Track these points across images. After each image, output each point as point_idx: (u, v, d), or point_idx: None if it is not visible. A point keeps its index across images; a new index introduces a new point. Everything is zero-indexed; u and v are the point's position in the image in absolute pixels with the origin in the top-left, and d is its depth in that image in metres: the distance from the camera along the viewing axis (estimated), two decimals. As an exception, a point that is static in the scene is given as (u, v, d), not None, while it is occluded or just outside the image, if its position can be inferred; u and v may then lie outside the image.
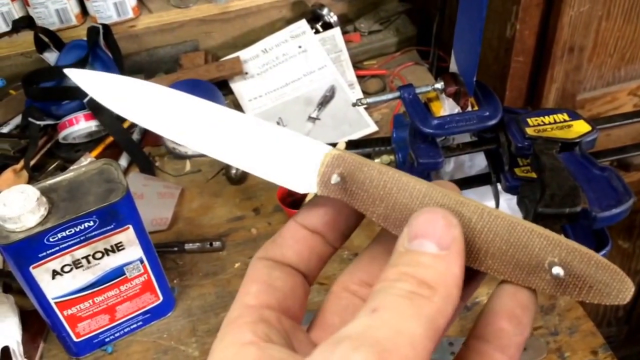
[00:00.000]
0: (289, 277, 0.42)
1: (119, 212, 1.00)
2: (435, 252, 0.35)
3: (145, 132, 1.56)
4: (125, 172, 1.47)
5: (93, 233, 0.99)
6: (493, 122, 1.11)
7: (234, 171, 1.42)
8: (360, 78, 1.68)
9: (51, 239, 0.96)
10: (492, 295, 0.40)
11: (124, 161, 1.48)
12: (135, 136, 1.53)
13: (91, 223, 0.98)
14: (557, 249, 0.37)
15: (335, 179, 0.41)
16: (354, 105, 1.23)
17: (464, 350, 0.39)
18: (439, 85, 1.18)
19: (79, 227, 0.97)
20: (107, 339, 1.16)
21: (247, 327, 0.37)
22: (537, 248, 0.37)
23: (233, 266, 1.29)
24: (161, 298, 1.17)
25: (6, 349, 1.09)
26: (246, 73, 1.67)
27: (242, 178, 1.44)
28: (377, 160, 1.24)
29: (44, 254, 0.97)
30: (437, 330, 0.33)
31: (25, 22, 1.55)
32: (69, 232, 0.97)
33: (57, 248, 0.98)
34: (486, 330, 0.39)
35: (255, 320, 0.38)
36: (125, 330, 1.17)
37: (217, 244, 1.31)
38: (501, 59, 1.45)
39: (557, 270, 0.37)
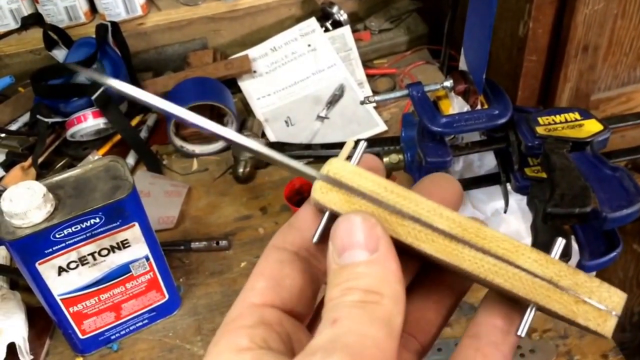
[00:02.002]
0: (300, 275, 0.40)
1: (125, 209, 0.99)
2: (366, 258, 0.35)
3: (153, 131, 1.56)
4: (133, 170, 1.47)
5: (99, 230, 0.99)
6: (503, 120, 1.10)
7: (241, 170, 1.41)
8: (370, 77, 1.67)
9: (57, 235, 0.95)
10: (485, 296, 0.40)
11: (131, 159, 1.47)
12: (143, 134, 1.52)
13: (97, 220, 0.97)
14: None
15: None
16: (362, 103, 1.22)
17: (459, 348, 0.39)
18: (448, 83, 1.17)
19: (85, 223, 0.97)
20: (112, 337, 1.15)
21: (244, 331, 0.37)
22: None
23: (239, 265, 1.28)
24: (167, 296, 1.16)
25: (12, 346, 1.09)
26: (255, 71, 1.66)
27: (249, 177, 1.44)
28: (385, 159, 1.23)
29: (50, 250, 0.97)
30: (396, 328, 0.34)
31: (34, 20, 1.54)
32: (75, 228, 0.96)
33: (63, 244, 0.97)
34: (480, 328, 0.39)
35: (255, 323, 0.37)
36: (131, 328, 1.16)
37: (223, 243, 1.30)
38: (514, 57, 1.44)
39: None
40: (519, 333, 0.38)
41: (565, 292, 0.37)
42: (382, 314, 0.34)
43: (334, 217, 0.39)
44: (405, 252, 0.38)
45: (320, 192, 0.39)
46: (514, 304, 0.39)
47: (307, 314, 0.41)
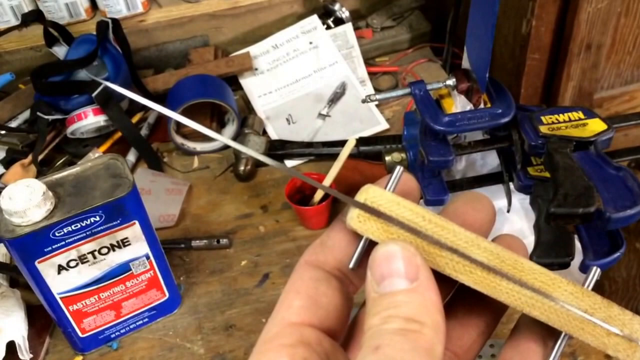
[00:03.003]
0: (336, 293, 0.40)
1: (125, 208, 0.99)
2: (406, 287, 0.36)
3: (154, 128, 1.55)
4: (133, 167, 1.46)
5: (99, 228, 0.98)
6: (506, 119, 1.09)
7: (242, 168, 1.41)
8: (372, 75, 1.67)
9: (57, 234, 0.95)
10: (521, 319, 0.41)
11: (132, 157, 1.47)
12: (144, 132, 1.52)
13: (97, 218, 0.97)
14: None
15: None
16: (364, 101, 1.21)
17: None
18: (451, 81, 1.16)
19: (84, 222, 0.96)
20: (112, 335, 1.15)
21: (285, 350, 0.36)
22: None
23: (240, 264, 1.28)
24: (167, 295, 1.16)
25: (12, 344, 1.09)
26: (256, 69, 1.66)
27: (250, 175, 1.43)
28: (387, 158, 1.23)
29: (50, 248, 0.96)
30: (437, 358, 0.34)
31: (34, 16, 1.54)
32: (75, 226, 0.96)
33: (63, 243, 0.97)
34: (515, 351, 0.40)
35: (295, 342, 0.37)
36: (131, 326, 1.16)
37: (224, 241, 1.30)
38: (517, 56, 1.44)
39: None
40: None
41: (598, 324, 0.38)
42: (423, 342, 0.34)
43: (371, 242, 0.39)
44: (441, 277, 0.39)
45: (358, 221, 0.39)
46: (549, 328, 0.40)
47: (341, 332, 0.41)
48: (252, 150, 0.40)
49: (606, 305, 0.39)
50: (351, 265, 0.40)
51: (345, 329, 0.41)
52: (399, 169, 0.40)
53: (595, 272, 0.40)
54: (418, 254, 0.36)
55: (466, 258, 0.38)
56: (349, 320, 0.41)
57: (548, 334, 0.40)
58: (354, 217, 0.39)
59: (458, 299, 0.44)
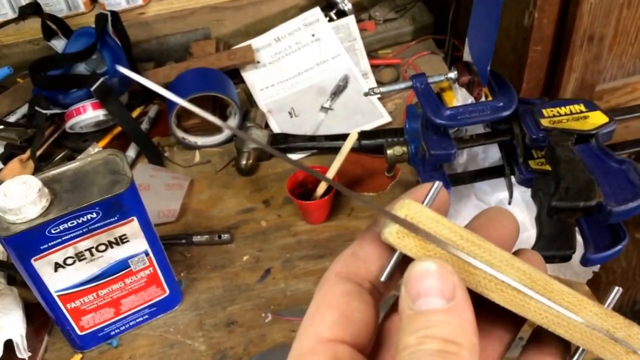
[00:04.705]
0: (367, 308, 0.39)
1: (123, 204, 0.98)
2: (443, 306, 0.35)
3: (155, 122, 1.55)
4: (134, 162, 1.46)
5: (96, 225, 0.98)
6: (507, 113, 1.08)
7: (243, 162, 1.40)
8: (374, 67, 1.66)
9: (53, 231, 0.94)
10: (535, 331, 0.42)
11: (132, 151, 1.46)
12: (144, 126, 1.51)
13: (94, 215, 0.96)
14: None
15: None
16: (366, 94, 1.21)
17: None
18: (452, 74, 1.15)
19: (81, 218, 0.95)
20: (112, 333, 1.14)
21: None
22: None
23: (241, 259, 1.27)
24: (167, 291, 1.15)
25: (10, 343, 1.08)
26: (258, 62, 1.65)
27: (252, 169, 1.42)
28: (389, 151, 1.22)
29: (46, 246, 0.95)
30: None
31: (32, 9, 1.52)
32: (72, 223, 0.95)
33: (60, 240, 0.96)
34: None
35: (329, 359, 0.37)
36: (131, 323, 1.15)
37: (225, 236, 1.29)
38: (519, 48, 1.42)
39: None
40: None
41: (618, 343, 0.40)
42: None
43: (404, 256, 0.39)
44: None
45: (397, 237, 0.38)
46: (564, 341, 0.41)
47: (370, 346, 0.40)
48: (272, 148, 0.40)
49: (627, 325, 0.40)
50: (383, 279, 0.39)
51: (372, 343, 0.41)
52: (437, 185, 0.40)
53: (616, 292, 0.42)
54: (455, 273, 0.36)
55: (499, 277, 0.39)
56: (376, 334, 0.41)
57: (565, 349, 0.41)
58: (393, 233, 0.38)
59: (481, 311, 0.43)
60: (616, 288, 0.42)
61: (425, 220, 0.38)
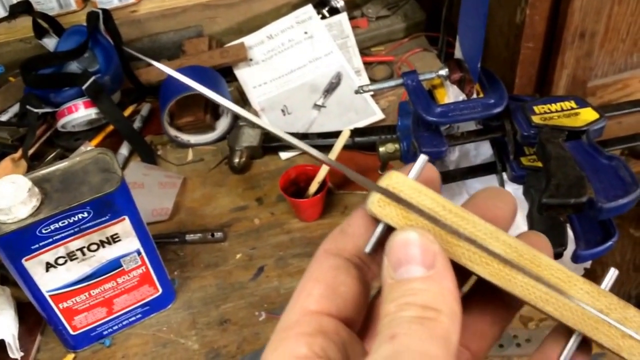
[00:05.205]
0: (354, 282, 0.40)
1: (114, 203, 0.98)
2: (423, 274, 0.35)
3: (147, 120, 1.54)
4: (126, 161, 1.45)
5: (87, 224, 0.97)
6: (498, 109, 1.08)
7: (236, 160, 1.40)
8: (367, 65, 1.66)
9: (44, 231, 0.94)
10: (549, 335, 0.41)
11: (125, 150, 1.46)
12: (137, 124, 1.51)
13: (85, 214, 0.96)
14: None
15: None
16: (357, 92, 1.21)
17: None
18: (443, 71, 1.15)
19: (72, 218, 0.95)
20: (104, 332, 1.14)
21: (303, 339, 0.36)
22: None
23: (234, 257, 1.27)
24: (160, 290, 1.15)
25: (2, 342, 1.08)
26: (251, 59, 1.65)
27: (245, 167, 1.42)
28: (381, 149, 1.22)
29: (37, 246, 0.95)
30: (453, 346, 0.34)
31: (23, 8, 1.52)
32: (63, 223, 0.95)
33: (50, 240, 0.96)
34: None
35: (314, 331, 0.37)
36: (124, 323, 1.15)
37: (218, 234, 1.29)
38: (511, 45, 1.42)
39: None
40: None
41: (613, 325, 0.38)
42: (440, 331, 0.33)
43: (389, 228, 0.39)
44: (457, 267, 0.38)
45: (378, 206, 0.38)
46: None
47: (359, 321, 0.41)
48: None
49: (622, 307, 0.38)
50: (367, 249, 0.39)
51: (362, 318, 0.41)
52: (423, 158, 0.40)
53: (613, 274, 0.40)
54: (436, 242, 0.36)
55: (483, 249, 0.38)
56: (366, 310, 0.41)
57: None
58: (374, 202, 0.39)
59: (473, 296, 0.44)
60: (612, 269, 0.40)
61: (407, 190, 0.38)
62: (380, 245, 0.38)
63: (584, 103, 1.07)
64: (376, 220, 0.39)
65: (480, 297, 0.43)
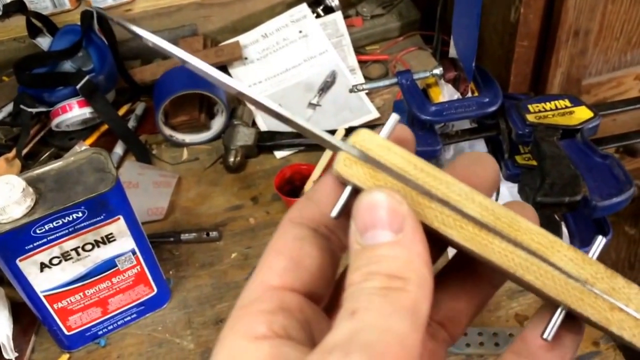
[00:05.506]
0: (321, 253, 0.36)
1: (108, 203, 0.98)
2: (390, 239, 0.32)
3: (142, 120, 1.54)
4: (121, 160, 1.45)
5: (82, 224, 0.97)
6: (493, 108, 1.08)
7: (232, 159, 1.40)
8: (362, 63, 1.65)
9: (38, 231, 0.93)
10: (535, 314, 0.38)
11: (119, 149, 1.45)
12: (131, 123, 1.50)
13: (80, 214, 0.96)
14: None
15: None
16: (352, 91, 1.21)
17: None
18: (438, 70, 1.15)
19: (67, 218, 0.95)
20: (99, 332, 1.14)
21: (262, 317, 0.33)
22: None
23: (230, 256, 1.27)
24: (155, 290, 1.15)
25: (-3, 343, 1.08)
26: (246, 58, 1.65)
27: (240, 166, 1.42)
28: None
29: (31, 246, 0.95)
30: (421, 317, 0.31)
31: (16, 7, 1.51)
32: (57, 223, 0.94)
33: (45, 240, 0.95)
34: (524, 346, 0.37)
35: (274, 308, 0.34)
36: (119, 323, 1.15)
37: (214, 234, 1.28)
38: (505, 43, 1.43)
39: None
40: (544, 336, 0.36)
41: (600, 296, 0.35)
42: (406, 302, 0.30)
43: (357, 191, 0.35)
44: (432, 237, 0.35)
45: (344, 165, 0.35)
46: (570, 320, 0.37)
47: (326, 295, 0.38)
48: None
49: (609, 276, 0.35)
50: (333, 214, 0.36)
51: (329, 292, 0.38)
52: (395, 116, 0.37)
53: (600, 242, 0.37)
54: (404, 203, 0.33)
55: (457, 212, 0.35)
56: (333, 283, 0.38)
57: (563, 328, 0.37)
58: (340, 161, 0.35)
59: (449, 272, 0.41)
60: (599, 237, 0.37)
61: (375, 148, 0.35)
62: (348, 210, 0.35)
63: (578, 102, 1.08)
64: (344, 184, 0.36)
65: (456, 272, 0.41)
